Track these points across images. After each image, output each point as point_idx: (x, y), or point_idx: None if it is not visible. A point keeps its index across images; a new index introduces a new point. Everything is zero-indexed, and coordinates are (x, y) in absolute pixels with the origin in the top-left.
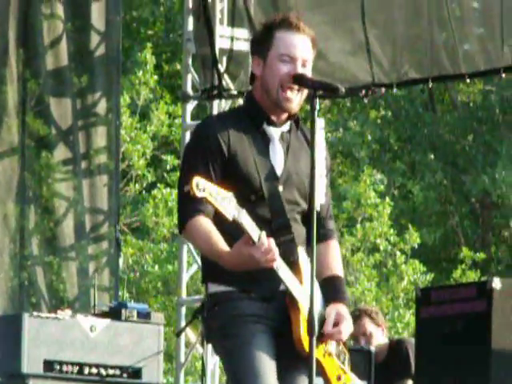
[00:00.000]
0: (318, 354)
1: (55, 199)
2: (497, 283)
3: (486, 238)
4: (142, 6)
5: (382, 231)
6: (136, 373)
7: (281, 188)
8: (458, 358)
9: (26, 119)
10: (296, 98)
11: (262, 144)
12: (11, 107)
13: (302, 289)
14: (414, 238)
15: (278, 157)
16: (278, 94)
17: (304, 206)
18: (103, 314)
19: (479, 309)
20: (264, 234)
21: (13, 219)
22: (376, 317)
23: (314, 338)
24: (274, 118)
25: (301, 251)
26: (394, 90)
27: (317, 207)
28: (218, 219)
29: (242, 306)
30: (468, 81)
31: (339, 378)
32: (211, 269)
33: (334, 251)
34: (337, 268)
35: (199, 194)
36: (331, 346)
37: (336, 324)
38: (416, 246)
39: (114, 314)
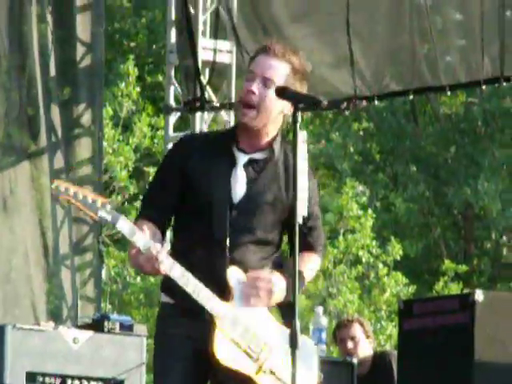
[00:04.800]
0: (245, 373)
1: (41, 212)
2: (479, 295)
3: (468, 250)
4: (125, 17)
5: (364, 243)
6: None
7: (234, 213)
8: (440, 371)
9: (10, 130)
10: (251, 114)
11: (227, 167)
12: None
13: (226, 305)
14: (396, 250)
15: (238, 183)
16: (238, 109)
17: (261, 235)
18: (86, 326)
19: (462, 321)
20: (152, 244)
21: (15, 231)
22: (367, 327)
23: (297, 348)
24: (244, 143)
25: (232, 271)
26: (376, 102)
27: (299, 220)
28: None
29: (171, 326)
30: (449, 93)
31: None
32: (164, 278)
33: (307, 257)
34: (301, 265)
35: (60, 196)
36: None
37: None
38: (398, 258)
39: (97, 325)
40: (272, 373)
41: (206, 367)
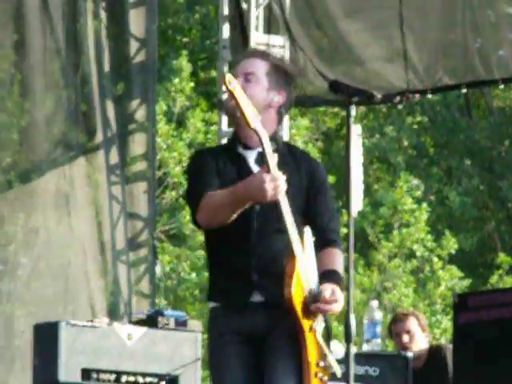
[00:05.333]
0: (304, 325)
1: (97, 208)
2: None
3: None
4: (178, 13)
5: (418, 237)
6: (173, 381)
7: (257, 207)
8: (495, 364)
9: (65, 127)
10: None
11: (240, 165)
12: (50, 114)
13: (303, 254)
14: (450, 243)
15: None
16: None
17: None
18: (140, 322)
19: None
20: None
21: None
22: (422, 321)
23: (352, 342)
24: (247, 140)
25: (307, 230)
26: (428, 96)
27: (354, 213)
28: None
29: (220, 325)
30: (502, 86)
31: (317, 365)
32: (208, 286)
33: (333, 256)
34: (335, 265)
35: (230, 87)
36: (318, 324)
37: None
38: (453, 252)
39: (151, 321)
40: (315, 332)
41: (257, 354)
